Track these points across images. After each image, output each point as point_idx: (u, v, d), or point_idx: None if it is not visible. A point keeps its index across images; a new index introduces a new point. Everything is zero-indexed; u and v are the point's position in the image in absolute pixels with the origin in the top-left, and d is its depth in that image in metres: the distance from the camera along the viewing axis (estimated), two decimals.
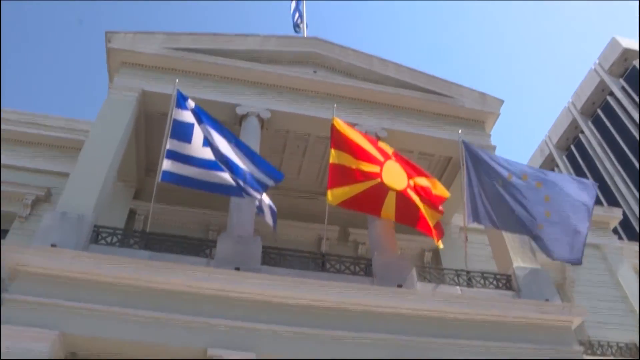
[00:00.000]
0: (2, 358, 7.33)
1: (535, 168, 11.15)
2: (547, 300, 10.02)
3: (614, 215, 17.39)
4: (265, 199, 9.88)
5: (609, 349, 12.51)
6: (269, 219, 9.80)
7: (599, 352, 12.44)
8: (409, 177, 10.13)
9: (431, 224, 9.92)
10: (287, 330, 8.51)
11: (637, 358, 12.61)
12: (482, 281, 10.25)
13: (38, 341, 7.60)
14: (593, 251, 15.97)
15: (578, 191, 10.68)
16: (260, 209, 9.70)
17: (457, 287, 9.97)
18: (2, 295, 8.06)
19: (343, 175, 9.51)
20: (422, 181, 10.40)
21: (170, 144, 9.59)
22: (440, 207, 10.40)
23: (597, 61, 50.14)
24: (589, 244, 15.77)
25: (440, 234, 10.14)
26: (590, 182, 11.12)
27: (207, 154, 9.51)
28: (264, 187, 9.67)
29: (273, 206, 10.21)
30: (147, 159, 13.02)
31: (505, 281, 10.37)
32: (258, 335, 8.37)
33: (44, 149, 13.80)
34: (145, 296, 8.38)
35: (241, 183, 9.35)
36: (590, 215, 10.49)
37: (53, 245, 8.45)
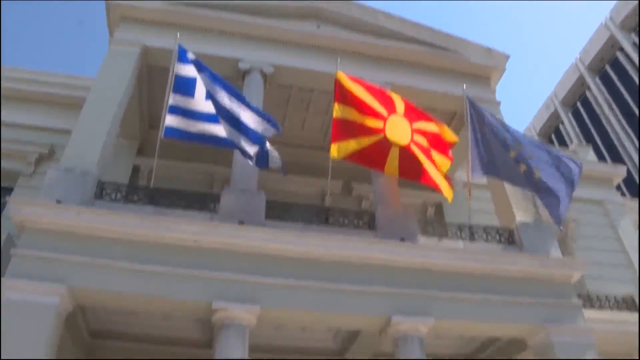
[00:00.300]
0: (11, 311, 7.47)
1: (529, 138, 11.11)
2: (548, 254, 10.12)
3: (618, 172, 17.35)
4: (269, 148, 9.64)
5: (607, 302, 12.68)
6: (275, 164, 9.56)
7: (597, 305, 12.61)
8: (417, 128, 10.04)
9: (441, 171, 9.94)
10: (291, 282, 8.62)
11: (634, 311, 12.74)
12: (484, 235, 10.31)
13: (47, 295, 7.75)
14: (596, 207, 16.05)
15: (567, 167, 10.76)
16: (261, 160, 9.51)
17: (460, 241, 10.04)
18: (11, 250, 8.18)
19: (347, 129, 9.44)
20: (431, 127, 10.32)
21: (172, 99, 9.50)
22: (450, 154, 10.38)
23: (608, 15, 48.87)
24: (592, 199, 16.00)
25: (450, 185, 10.13)
26: (578, 160, 11.09)
27: (209, 107, 9.44)
28: (263, 139, 9.57)
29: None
30: (150, 114, 12.93)
31: (508, 235, 10.44)
32: (262, 287, 8.48)
33: (46, 106, 13.68)
34: (150, 250, 8.46)
35: (237, 136, 9.27)
36: (573, 190, 10.62)
37: (58, 201, 8.49)
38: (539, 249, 10.20)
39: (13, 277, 7.80)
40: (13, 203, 8.37)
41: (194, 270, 8.40)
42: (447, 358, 11.70)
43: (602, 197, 16.38)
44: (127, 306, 8.88)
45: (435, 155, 10.09)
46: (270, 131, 9.55)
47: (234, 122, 9.44)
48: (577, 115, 51.99)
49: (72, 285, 7.95)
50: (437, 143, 10.24)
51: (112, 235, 8.46)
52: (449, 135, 10.56)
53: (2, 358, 7.13)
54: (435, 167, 10.00)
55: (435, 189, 10.11)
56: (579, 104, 52.03)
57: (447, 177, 10.19)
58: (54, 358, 7.79)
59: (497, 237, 10.39)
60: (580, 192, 15.68)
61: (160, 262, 8.38)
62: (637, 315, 12.40)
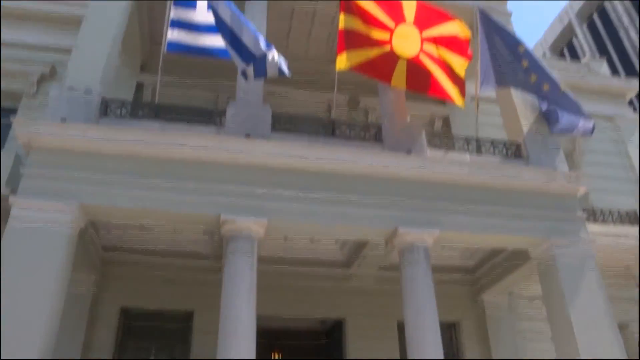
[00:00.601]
0: (25, 229, 7.63)
1: (536, 59, 10.71)
2: (555, 168, 10.12)
3: (631, 86, 16.93)
4: (268, 57, 9.19)
5: (610, 216, 12.79)
6: (272, 71, 8.97)
7: (600, 219, 12.73)
8: (428, 36, 9.70)
9: (457, 76, 9.72)
10: (297, 194, 8.68)
11: (637, 225, 12.86)
12: (491, 149, 10.26)
13: (59, 212, 7.89)
14: (606, 122, 15.82)
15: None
16: (259, 71, 9.16)
17: (467, 154, 9.99)
18: (20, 169, 8.25)
19: (353, 40, 9.16)
20: (445, 28, 9.97)
21: (174, 13, 9.28)
22: (469, 51, 10.10)
23: None
24: (603, 115, 15.73)
25: (463, 91, 9.89)
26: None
27: (211, 18, 9.15)
28: (255, 56, 9.15)
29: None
30: (152, 29, 12.54)
31: (515, 149, 10.40)
32: (270, 200, 8.55)
33: (46, 24, 13.32)
34: (158, 165, 8.49)
35: (234, 52, 8.99)
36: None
37: (63, 120, 8.46)
38: (545, 162, 10.21)
39: (24, 195, 7.91)
40: (18, 123, 8.34)
41: (202, 184, 8.45)
42: (452, 269, 12.02)
43: (614, 113, 16.11)
44: (138, 221, 9.05)
45: (451, 57, 9.78)
46: (262, 52, 9.08)
47: (232, 36, 9.11)
48: (592, 28, 49.86)
49: (82, 201, 8.06)
50: (453, 44, 9.91)
51: (120, 152, 8.48)
52: (465, 31, 10.16)
53: (18, 274, 7.31)
54: (448, 74, 9.72)
55: (445, 99, 9.91)
56: (595, 16, 49.74)
57: (462, 83, 9.91)
58: (70, 272, 8.06)
59: (504, 150, 10.35)
60: (591, 106, 15.46)
61: (168, 176, 8.43)
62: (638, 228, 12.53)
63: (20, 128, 8.25)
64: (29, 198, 7.87)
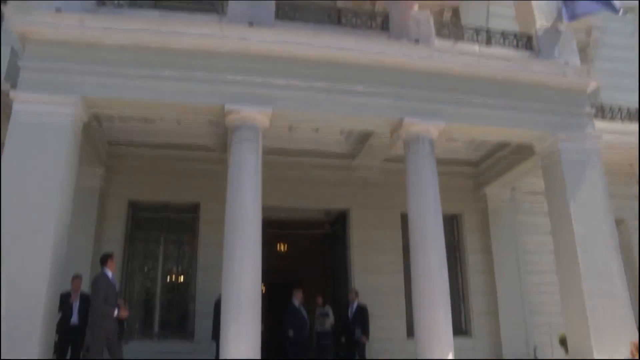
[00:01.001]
0: (28, 123, 7.54)
1: None
2: (566, 61, 9.84)
3: None
4: None
5: (619, 113, 12.63)
6: None
7: (608, 116, 12.58)
8: None
9: None
10: (303, 84, 8.51)
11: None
12: (501, 40, 9.95)
13: (62, 105, 7.77)
14: (624, 14, 15.04)
15: None
16: None
17: (476, 45, 9.70)
18: (18, 62, 8.03)
19: None
20: None
21: None
22: None
23: None
24: (623, 5, 14.85)
25: None
26: None
27: None
28: None
29: None
30: None
31: (526, 41, 10.08)
32: (274, 89, 8.39)
33: None
34: (159, 56, 8.24)
35: None
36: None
37: (57, 9, 8.07)
38: (557, 56, 9.93)
39: (24, 89, 7.76)
40: (10, 13, 7.95)
41: (205, 73, 8.26)
42: (456, 162, 12.08)
43: (633, 3, 15.24)
44: (142, 112, 8.96)
45: None
46: None
47: None
48: None
49: (85, 94, 7.93)
50: None
51: (120, 42, 8.19)
52: None
53: (26, 169, 7.33)
54: None
55: None
56: None
57: None
58: (78, 166, 8.11)
59: (515, 42, 10.04)
60: None
61: (170, 66, 8.21)
62: None
63: (13, 18, 7.90)
64: (29, 92, 7.73)
